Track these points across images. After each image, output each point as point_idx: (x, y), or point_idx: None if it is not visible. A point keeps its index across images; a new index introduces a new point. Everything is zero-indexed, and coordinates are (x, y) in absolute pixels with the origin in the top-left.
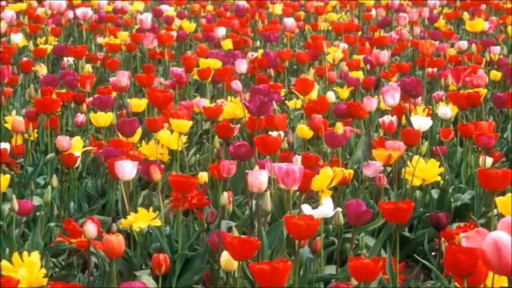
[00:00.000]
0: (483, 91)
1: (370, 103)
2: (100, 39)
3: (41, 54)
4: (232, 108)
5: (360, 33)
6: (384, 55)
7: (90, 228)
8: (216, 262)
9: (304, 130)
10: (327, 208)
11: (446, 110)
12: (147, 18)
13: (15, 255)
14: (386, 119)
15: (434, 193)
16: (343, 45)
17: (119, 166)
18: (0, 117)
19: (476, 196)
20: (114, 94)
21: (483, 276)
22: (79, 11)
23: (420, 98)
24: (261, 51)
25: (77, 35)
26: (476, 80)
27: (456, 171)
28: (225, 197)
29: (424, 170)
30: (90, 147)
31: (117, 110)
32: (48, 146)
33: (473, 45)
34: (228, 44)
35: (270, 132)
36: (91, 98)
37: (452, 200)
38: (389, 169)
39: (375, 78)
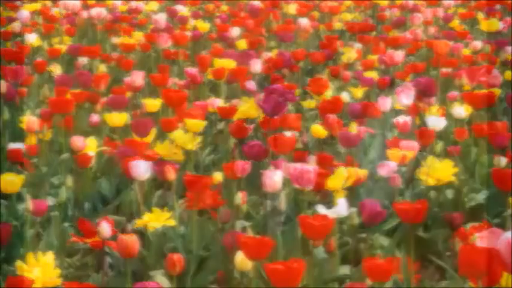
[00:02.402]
0: (498, 91)
1: (385, 103)
2: (114, 39)
3: (56, 54)
4: (247, 108)
5: (374, 33)
6: (399, 55)
7: (105, 228)
8: (231, 262)
9: (318, 130)
10: (341, 208)
11: (461, 110)
12: (162, 18)
13: (30, 255)
14: (401, 119)
15: (449, 193)
16: (358, 45)
17: (134, 166)
18: (15, 117)
19: (490, 196)
20: (128, 94)
21: (498, 276)
22: (94, 11)
23: (435, 98)
24: (275, 51)
25: (92, 35)
26: (490, 80)
27: (471, 171)
28: (240, 197)
29: (439, 170)
30: (104, 147)
31: (132, 110)
32: (62, 146)
33: (488, 45)
34: (242, 44)
35: (284, 132)
36: (105, 98)
37: (466, 200)
38: (403, 169)
39: (389, 78)
